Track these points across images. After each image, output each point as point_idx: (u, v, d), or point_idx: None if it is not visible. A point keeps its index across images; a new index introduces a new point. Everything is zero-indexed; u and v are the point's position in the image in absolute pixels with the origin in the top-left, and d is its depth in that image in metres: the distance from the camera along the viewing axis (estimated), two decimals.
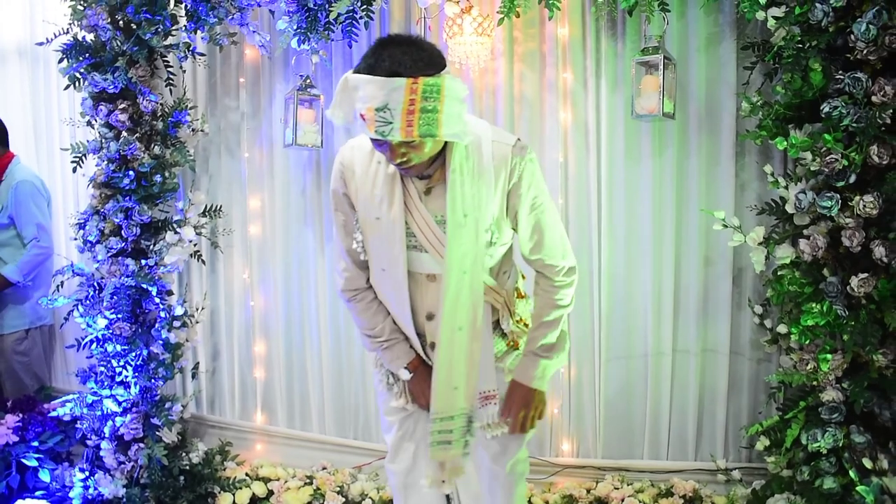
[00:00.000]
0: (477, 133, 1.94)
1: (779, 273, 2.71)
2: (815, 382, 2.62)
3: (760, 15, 2.62)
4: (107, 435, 3.25)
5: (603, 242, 3.12)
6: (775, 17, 2.58)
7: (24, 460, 3.17)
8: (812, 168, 2.52)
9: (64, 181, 3.96)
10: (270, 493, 3.29)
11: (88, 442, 3.27)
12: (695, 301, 3.07)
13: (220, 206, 3.47)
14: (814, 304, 2.56)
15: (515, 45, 3.16)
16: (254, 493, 3.27)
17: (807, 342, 2.60)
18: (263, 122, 3.52)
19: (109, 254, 3.21)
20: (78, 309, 3.24)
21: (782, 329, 2.74)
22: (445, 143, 1.88)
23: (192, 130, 3.39)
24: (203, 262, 3.52)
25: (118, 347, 3.19)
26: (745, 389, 3.06)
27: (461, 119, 1.79)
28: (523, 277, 2.29)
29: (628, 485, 3.09)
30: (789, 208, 2.65)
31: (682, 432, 3.12)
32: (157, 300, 3.23)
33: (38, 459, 3.21)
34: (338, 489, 3.25)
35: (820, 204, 2.52)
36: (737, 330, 3.05)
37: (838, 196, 2.49)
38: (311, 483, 3.28)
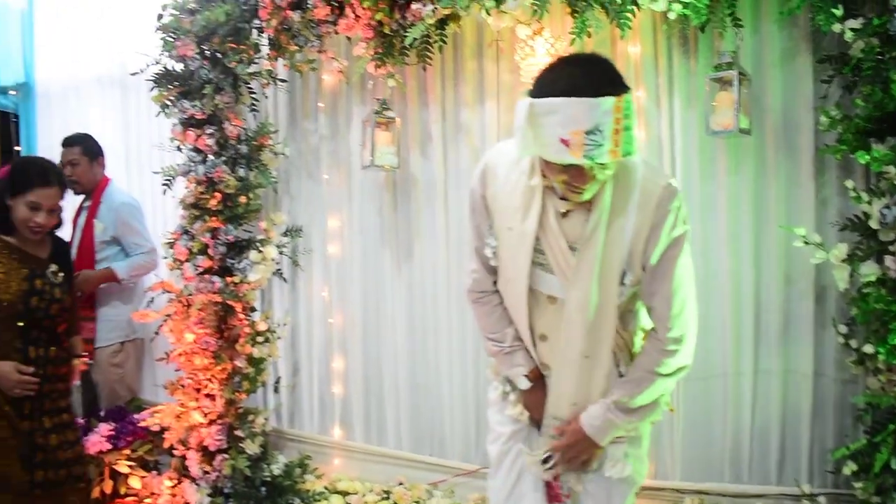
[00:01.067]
0: (626, 164, 1.83)
1: (864, 291, 2.62)
2: None
3: (837, 28, 2.57)
4: (192, 445, 3.39)
5: None
6: (853, 30, 2.52)
7: (115, 467, 3.32)
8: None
9: (154, 203, 4.16)
10: None
11: (175, 452, 3.42)
12: (776, 320, 2.99)
13: (301, 227, 3.60)
14: None
15: None
16: None
17: (895, 362, 2.52)
18: (341, 145, 3.64)
19: (197, 271, 3.37)
20: (167, 323, 3.40)
21: (868, 349, 2.65)
22: None
23: (274, 154, 3.53)
24: (285, 279, 3.65)
25: (205, 361, 3.33)
26: (831, 412, 2.95)
27: (634, 139, 1.72)
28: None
29: None
30: (873, 224, 2.57)
31: (764, 455, 3.04)
32: (242, 316, 3.36)
33: (129, 466, 3.36)
34: None
35: None
36: (820, 350, 2.95)
37: None
38: (387, 498, 3.34)
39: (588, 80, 1.63)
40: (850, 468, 2.70)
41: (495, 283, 2.09)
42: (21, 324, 2.65)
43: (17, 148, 4.63)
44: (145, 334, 4.10)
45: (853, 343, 2.82)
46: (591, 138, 1.61)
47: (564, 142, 1.62)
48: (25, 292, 2.66)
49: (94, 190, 3.70)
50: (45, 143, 4.53)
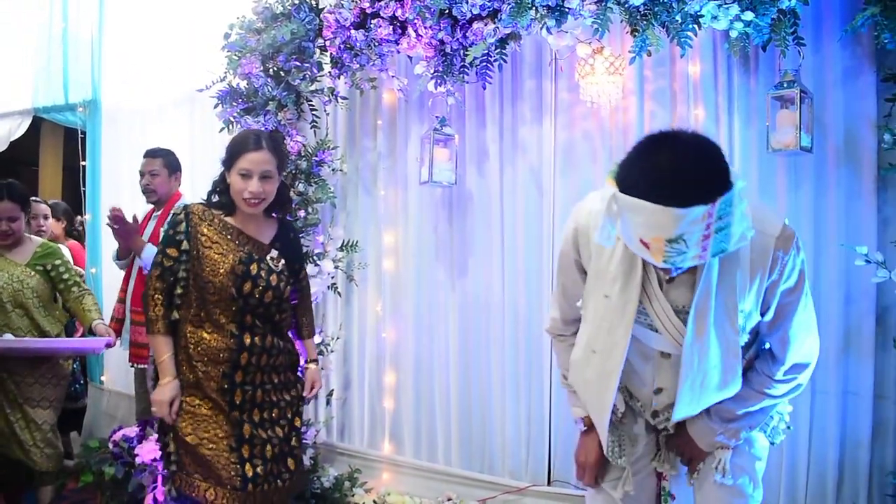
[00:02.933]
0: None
1: None
2: None
3: None
4: None
5: None
6: None
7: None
8: None
9: None
10: None
11: None
12: (835, 340, 2.95)
13: (357, 242, 3.65)
14: None
15: (646, 84, 3.21)
16: None
17: None
18: (399, 162, 3.70)
19: None
20: None
21: None
22: None
23: (332, 170, 3.61)
24: (339, 293, 3.69)
25: None
26: (891, 435, 2.89)
27: (745, 217, 1.52)
28: None
29: None
30: None
31: (821, 480, 2.98)
32: None
33: None
34: None
35: None
36: (881, 372, 2.90)
37: None
38: None
39: (676, 185, 1.44)
40: None
41: (574, 332, 2.06)
42: (234, 308, 2.48)
43: (83, 163, 4.77)
44: None
45: None
46: (674, 247, 1.48)
47: (645, 244, 1.51)
48: (238, 276, 2.48)
49: (167, 202, 3.79)
50: (111, 159, 4.66)
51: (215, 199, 2.57)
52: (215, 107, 3.59)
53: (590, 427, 2.07)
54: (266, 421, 2.54)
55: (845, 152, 2.91)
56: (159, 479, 3.38)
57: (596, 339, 1.89)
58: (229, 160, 2.50)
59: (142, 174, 3.74)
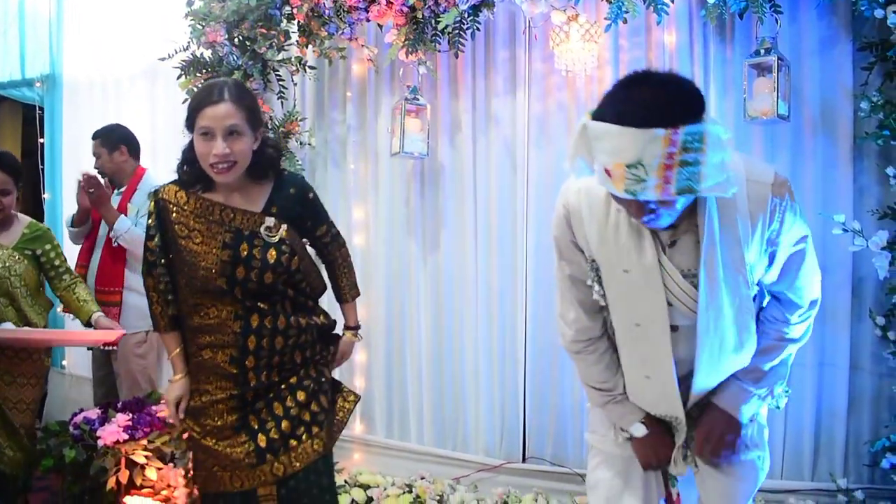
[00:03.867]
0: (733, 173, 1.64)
1: None
2: None
3: (879, 13, 2.55)
4: None
5: None
6: None
7: (132, 457, 3.24)
8: None
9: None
10: (370, 499, 3.28)
11: None
12: None
13: None
14: None
15: (621, 54, 3.17)
16: (353, 500, 3.26)
17: None
18: (369, 135, 3.61)
19: None
20: None
21: None
22: None
23: (301, 143, 3.51)
24: None
25: None
26: (867, 406, 2.90)
27: (724, 168, 1.50)
28: None
29: None
30: None
31: (797, 450, 2.97)
32: None
33: (145, 457, 3.28)
34: (437, 498, 3.22)
35: None
36: (857, 343, 2.90)
37: None
38: (410, 491, 3.26)
39: (640, 107, 1.44)
40: (889, 461, 2.65)
41: (601, 327, 1.93)
42: (230, 298, 2.13)
43: (41, 140, 4.61)
44: None
45: (891, 335, 2.77)
46: (633, 172, 1.45)
47: (607, 172, 1.49)
48: (226, 263, 2.10)
49: (130, 179, 3.68)
50: (71, 136, 4.49)
51: (185, 172, 2.16)
52: (178, 77, 3.46)
53: (650, 425, 1.90)
54: (284, 391, 2.20)
55: (821, 121, 2.90)
56: (122, 461, 3.28)
57: (633, 313, 1.80)
58: (189, 120, 2.09)
59: (95, 155, 3.67)
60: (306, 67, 3.43)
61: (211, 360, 2.16)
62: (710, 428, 1.85)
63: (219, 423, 2.18)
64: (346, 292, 2.49)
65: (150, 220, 2.21)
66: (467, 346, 3.46)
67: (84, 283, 3.29)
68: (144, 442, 3.35)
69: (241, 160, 2.07)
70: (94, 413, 3.46)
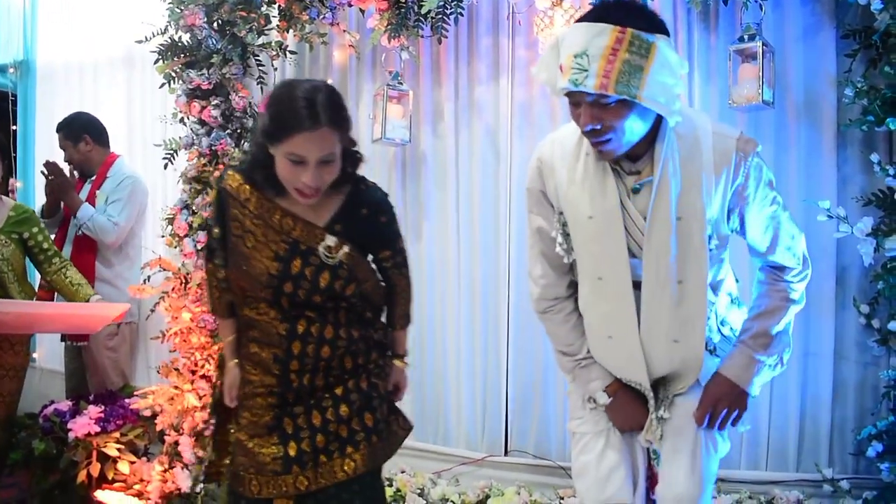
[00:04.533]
0: (694, 123, 1.73)
1: (889, 266, 2.57)
2: None
3: (862, 0, 2.55)
4: (186, 431, 3.24)
5: None
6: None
7: (104, 450, 3.16)
8: None
9: (154, 181, 4.04)
10: None
11: (167, 437, 3.26)
12: None
13: None
14: None
15: None
16: None
17: None
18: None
19: (197, 247, 3.25)
20: (164, 301, 3.27)
21: (893, 326, 2.60)
22: (656, 133, 1.70)
23: None
24: None
25: (202, 339, 3.20)
26: (851, 395, 2.87)
27: (670, 93, 1.58)
28: (737, 281, 2.10)
29: (725, 494, 2.91)
30: None
31: (782, 441, 2.94)
32: None
33: (118, 450, 3.20)
34: (418, 491, 3.16)
35: None
36: (841, 332, 2.88)
37: None
38: (391, 485, 3.19)
39: (599, 8, 1.59)
40: (875, 449, 2.63)
41: (567, 286, 1.94)
42: (277, 304, 1.98)
43: (13, 127, 4.52)
44: (140, 319, 3.96)
45: (875, 323, 2.76)
46: (578, 62, 1.54)
47: (561, 67, 1.58)
48: (273, 276, 1.93)
49: (99, 168, 3.61)
50: (45, 123, 4.39)
51: (256, 175, 1.92)
52: (155, 62, 3.40)
53: (613, 392, 1.90)
54: (327, 399, 2.01)
55: (805, 109, 2.89)
56: (94, 454, 3.20)
57: (596, 265, 1.82)
58: (272, 135, 1.80)
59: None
60: (287, 52, 3.37)
61: (257, 355, 2.02)
62: (717, 399, 1.82)
63: (255, 418, 2.02)
64: (398, 320, 2.24)
65: (211, 209, 2.07)
66: (449, 337, 3.41)
67: (74, 268, 3.20)
68: (117, 434, 3.29)
69: (326, 184, 1.87)
70: (64, 405, 3.40)
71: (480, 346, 3.35)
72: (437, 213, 3.41)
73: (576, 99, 1.64)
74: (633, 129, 1.64)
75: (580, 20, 1.61)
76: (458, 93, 3.35)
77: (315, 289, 1.94)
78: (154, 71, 3.45)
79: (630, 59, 1.53)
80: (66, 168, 3.58)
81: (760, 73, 2.71)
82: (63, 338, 3.70)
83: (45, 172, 3.30)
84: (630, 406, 1.90)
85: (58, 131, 3.68)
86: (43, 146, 4.43)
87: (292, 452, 1.98)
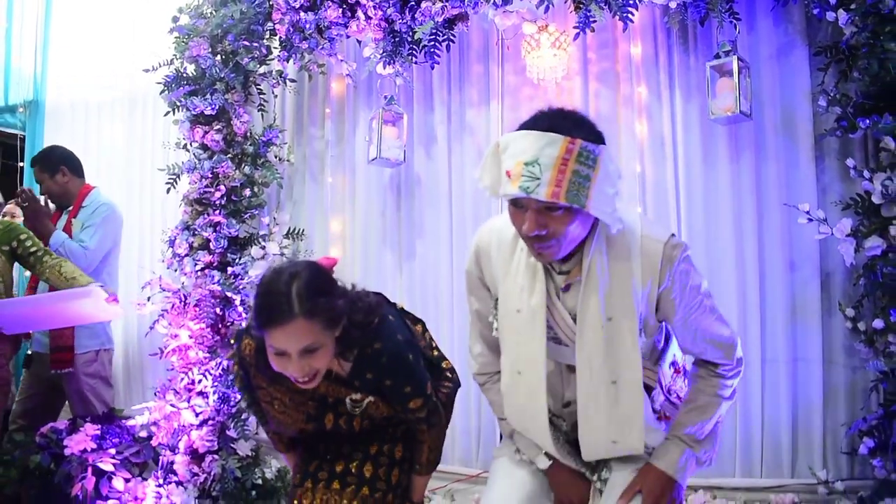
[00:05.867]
0: (625, 225, 1.73)
1: (870, 264, 2.65)
2: None
3: (831, 16, 2.70)
4: (181, 450, 3.25)
5: None
6: (847, 10, 2.66)
7: (99, 464, 3.16)
8: None
9: (153, 212, 4.13)
10: None
11: (162, 457, 3.27)
12: (782, 308, 2.99)
13: (303, 230, 3.60)
14: None
15: (590, 66, 3.30)
16: None
17: None
18: (347, 149, 3.68)
19: (197, 266, 3.33)
20: (164, 318, 3.33)
21: (878, 324, 2.65)
22: (587, 235, 1.72)
23: (279, 159, 3.58)
24: None
25: (200, 354, 3.24)
26: (842, 399, 2.91)
27: (612, 202, 1.62)
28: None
29: (721, 501, 2.90)
30: (875, 199, 2.63)
31: (776, 447, 2.96)
32: (241, 309, 3.30)
33: (113, 465, 3.20)
34: None
35: None
36: (829, 337, 2.94)
37: None
38: None
39: (546, 117, 1.61)
40: (866, 445, 2.64)
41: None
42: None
43: (20, 164, 4.63)
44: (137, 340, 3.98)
45: (861, 325, 2.81)
46: (529, 170, 1.54)
47: (508, 173, 1.58)
48: (310, 433, 2.10)
49: (75, 199, 3.68)
50: None
51: (261, 356, 1.91)
52: (161, 92, 3.55)
53: (551, 457, 1.93)
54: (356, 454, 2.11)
55: (783, 123, 3.02)
56: (89, 469, 3.20)
57: (518, 361, 1.85)
58: (256, 327, 1.82)
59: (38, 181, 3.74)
60: (287, 81, 3.53)
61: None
62: (649, 489, 1.82)
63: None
64: (418, 466, 2.18)
65: (237, 382, 2.15)
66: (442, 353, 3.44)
67: (68, 261, 3.24)
68: (112, 451, 3.28)
69: (323, 368, 1.86)
70: (61, 424, 3.39)
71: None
72: (430, 232, 3.50)
73: (521, 204, 1.63)
74: (575, 235, 1.66)
75: (527, 127, 1.61)
76: (451, 117, 3.49)
77: (352, 435, 2.06)
78: (156, 107, 3.61)
79: (579, 170, 1.56)
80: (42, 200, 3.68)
81: (737, 85, 2.85)
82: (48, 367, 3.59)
83: (20, 200, 3.38)
84: (572, 480, 1.92)
85: (33, 165, 3.75)
86: None
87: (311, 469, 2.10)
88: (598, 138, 1.63)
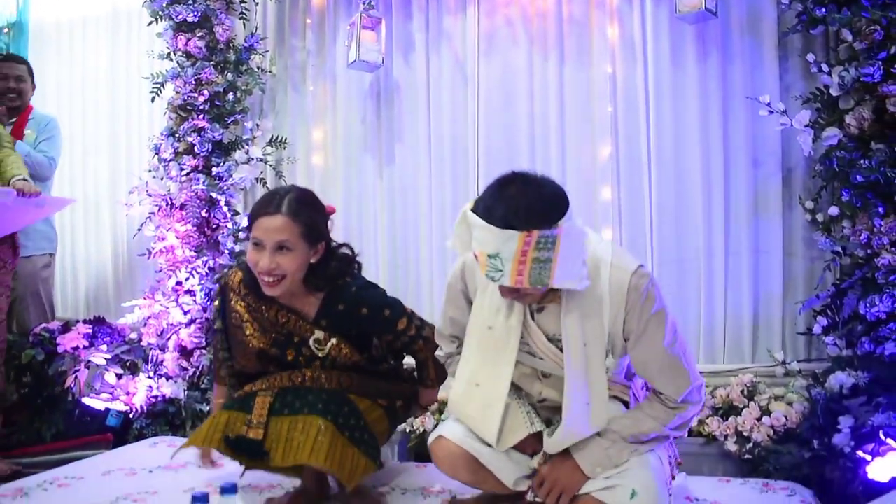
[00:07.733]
0: (596, 255, 1.82)
1: (827, 153, 2.76)
2: (869, 251, 2.64)
3: None
4: (170, 348, 3.38)
5: (652, 148, 3.22)
6: None
7: (92, 359, 3.29)
8: (855, 46, 2.62)
9: (141, 135, 4.18)
10: None
11: (153, 353, 3.40)
12: (745, 202, 3.12)
13: (286, 138, 3.68)
14: (862, 162, 2.61)
15: None
16: None
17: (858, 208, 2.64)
18: (328, 59, 3.74)
19: (183, 171, 3.43)
20: (151, 220, 3.44)
21: (833, 211, 2.78)
22: None
23: (261, 70, 3.65)
24: (267, 187, 3.68)
25: (187, 253, 3.35)
26: (801, 288, 3.06)
27: (578, 263, 1.70)
28: None
29: None
30: (833, 91, 2.74)
31: (737, 334, 3.12)
32: (226, 209, 3.40)
33: (105, 359, 3.33)
34: None
35: (862, 72, 2.61)
36: (789, 230, 3.08)
37: (880, 62, 2.59)
38: None
39: (503, 210, 1.64)
40: (819, 325, 2.79)
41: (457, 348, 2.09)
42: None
43: None
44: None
45: (819, 217, 2.93)
46: (491, 262, 1.66)
47: (476, 256, 1.71)
48: (269, 361, 2.15)
49: (22, 112, 3.65)
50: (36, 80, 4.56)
51: (249, 272, 2.08)
52: (143, 3, 3.61)
53: None
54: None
55: (748, 23, 3.11)
56: (81, 364, 3.33)
57: (479, 372, 1.94)
58: (248, 227, 2.10)
59: (6, 77, 3.59)
60: None
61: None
62: (556, 476, 1.90)
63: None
64: (432, 382, 2.32)
65: (214, 303, 2.26)
66: (423, 259, 3.57)
67: (16, 153, 3.18)
68: (104, 347, 3.39)
69: (290, 275, 1.99)
70: (53, 325, 3.51)
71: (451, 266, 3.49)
72: (409, 137, 3.59)
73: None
74: (545, 290, 1.77)
75: (489, 220, 1.66)
76: (429, 24, 3.56)
77: (309, 369, 2.13)
78: (140, 20, 3.66)
79: (539, 257, 1.63)
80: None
81: None
82: None
83: None
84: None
85: (21, 62, 3.70)
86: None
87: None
88: (557, 213, 1.66)
